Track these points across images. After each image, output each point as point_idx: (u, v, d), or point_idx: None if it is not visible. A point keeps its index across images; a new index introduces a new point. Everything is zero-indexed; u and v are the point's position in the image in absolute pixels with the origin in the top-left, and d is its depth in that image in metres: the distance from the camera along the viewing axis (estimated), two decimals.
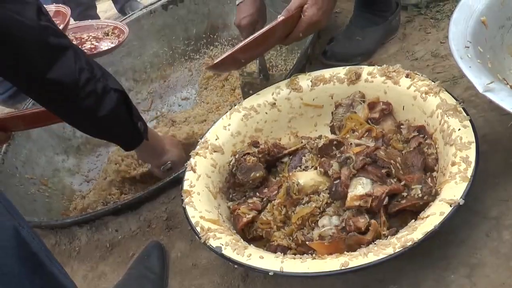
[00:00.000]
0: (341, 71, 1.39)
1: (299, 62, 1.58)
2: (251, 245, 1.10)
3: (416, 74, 1.26)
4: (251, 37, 1.39)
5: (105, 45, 1.86)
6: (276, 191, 1.21)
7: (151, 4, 2.49)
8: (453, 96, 1.15)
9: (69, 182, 2.17)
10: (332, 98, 1.39)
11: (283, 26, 1.37)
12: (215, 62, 1.45)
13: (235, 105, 1.42)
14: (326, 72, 1.41)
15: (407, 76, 1.27)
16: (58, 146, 2.26)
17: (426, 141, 1.15)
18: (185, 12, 2.44)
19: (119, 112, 1.30)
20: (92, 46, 1.89)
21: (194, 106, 2.28)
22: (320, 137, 1.35)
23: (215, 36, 2.45)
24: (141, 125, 1.39)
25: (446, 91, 1.17)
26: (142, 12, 2.46)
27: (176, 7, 2.44)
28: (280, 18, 1.36)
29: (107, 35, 1.91)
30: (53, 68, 1.15)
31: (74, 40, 1.88)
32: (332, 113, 1.36)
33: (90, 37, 1.94)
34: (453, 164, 1.00)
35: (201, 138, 1.40)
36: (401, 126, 1.23)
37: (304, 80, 1.42)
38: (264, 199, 1.22)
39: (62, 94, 1.20)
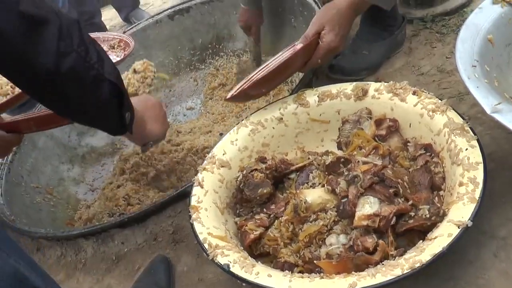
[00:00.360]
0: (348, 87, 1.39)
1: (305, 77, 1.58)
2: (259, 262, 1.11)
3: (423, 91, 1.27)
4: (270, 67, 1.40)
5: (111, 58, 1.86)
6: (283, 208, 1.22)
7: (157, 14, 2.51)
8: (460, 115, 1.15)
9: (74, 191, 2.18)
10: (339, 113, 1.40)
11: (302, 53, 1.39)
12: (233, 93, 1.44)
13: (242, 120, 1.43)
14: (333, 88, 1.41)
15: (414, 93, 1.27)
16: (63, 155, 2.27)
17: (433, 160, 1.16)
18: (191, 22, 2.46)
19: (108, 105, 1.14)
20: None
21: (199, 117, 2.29)
22: (326, 152, 1.36)
23: (220, 47, 2.46)
24: (128, 116, 1.22)
25: (453, 109, 1.17)
26: (148, 22, 2.48)
27: (182, 17, 2.46)
28: (299, 45, 1.38)
29: (113, 48, 1.88)
30: (27, 44, 0.97)
31: None
32: (339, 129, 1.36)
33: None
34: (461, 184, 1.01)
35: (208, 152, 1.40)
36: (408, 144, 1.24)
37: (311, 96, 1.42)
38: (271, 215, 1.22)
39: (37, 77, 1.01)
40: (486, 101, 1.01)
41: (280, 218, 1.20)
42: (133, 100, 1.30)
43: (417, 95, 1.26)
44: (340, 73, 1.72)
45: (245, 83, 1.40)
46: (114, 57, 1.80)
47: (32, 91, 1.07)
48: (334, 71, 1.74)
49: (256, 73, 1.39)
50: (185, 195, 1.44)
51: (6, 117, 1.62)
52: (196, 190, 1.26)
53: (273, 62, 1.38)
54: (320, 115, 1.42)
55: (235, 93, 1.42)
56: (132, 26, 2.51)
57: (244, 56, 2.41)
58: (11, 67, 1.00)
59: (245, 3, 2.07)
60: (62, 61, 1.00)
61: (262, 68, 1.40)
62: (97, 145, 2.36)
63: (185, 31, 2.47)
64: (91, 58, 1.06)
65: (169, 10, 2.48)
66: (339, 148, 1.36)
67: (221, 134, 2.00)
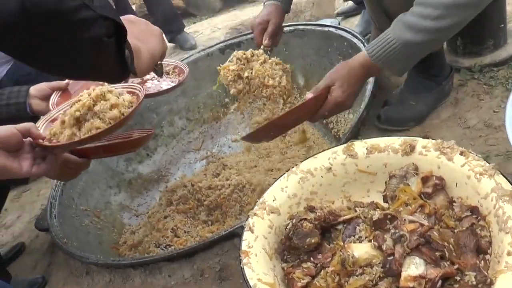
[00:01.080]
0: (396, 142, 1.43)
1: (355, 126, 1.64)
2: None
3: (471, 152, 1.30)
4: (282, 113, 1.56)
5: (165, 84, 1.84)
6: (330, 258, 1.26)
7: (208, 48, 2.60)
8: (509, 181, 1.18)
9: (120, 216, 2.28)
10: (386, 166, 1.44)
11: (312, 104, 1.49)
12: (247, 134, 1.62)
13: (292, 167, 1.49)
14: (382, 141, 1.46)
15: (461, 153, 1.31)
16: (111, 180, 2.37)
17: (479, 223, 1.19)
18: None
19: (103, 47, 0.90)
20: (154, 85, 1.93)
21: (245, 150, 2.36)
22: (372, 203, 1.40)
23: None
24: (128, 54, 0.99)
25: (502, 174, 1.20)
26: (199, 54, 2.58)
27: (233, 52, 2.52)
28: (309, 95, 1.48)
29: (168, 74, 1.88)
30: None
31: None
32: (385, 182, 1.40)
33: (152, 76, 1.89)
34: (509, 254, 1.03)
35: (254, 190, 1.46)
36: (454, 203, 1.27)
37: (360, 147, 1.47)
38: (318, 265, 1.27)
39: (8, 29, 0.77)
40: None
41: (327, 269, 1.24)
42: None
43: (465, 156, 1.30)
44: (387, 123, 1.77)
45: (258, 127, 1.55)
46: (169, 83, 1.82)
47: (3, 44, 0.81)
48: (381, 121, 1.78)
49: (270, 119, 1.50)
50: (233, 235, 1.51)
51: None
52: (246, 235, 1.32)
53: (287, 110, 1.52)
54: (368, 166, 1.47)
55: (247, 134, 1.59)
56: (184, 58, 2.61)
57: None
58: None
59: None
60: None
61: (276, 116, 1.56)
62: (143, 171, 2.45)
63: None
64: None
65: (221, 44, 2.57)
66: (385, 201, 1.40)
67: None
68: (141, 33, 1.15)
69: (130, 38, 1.05)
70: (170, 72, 1.85)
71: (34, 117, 1.74)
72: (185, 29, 3.95)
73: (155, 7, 3.85)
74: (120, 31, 0.93)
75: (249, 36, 2.52)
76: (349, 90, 1.49)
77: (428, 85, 1.81)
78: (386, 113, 1.78)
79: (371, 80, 1.81)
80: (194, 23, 4.58)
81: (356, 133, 1.63)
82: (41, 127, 1.45)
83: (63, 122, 1.38)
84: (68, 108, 1.44)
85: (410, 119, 1.78)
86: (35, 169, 1.29)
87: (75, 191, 2.18)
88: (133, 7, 4.73)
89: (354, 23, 2.97)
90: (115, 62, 0.96)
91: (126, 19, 1.16)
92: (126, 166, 2.43)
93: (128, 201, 2.35)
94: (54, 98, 1.66)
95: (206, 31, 4.05)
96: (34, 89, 1.71)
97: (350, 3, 3.16)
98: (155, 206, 2.22)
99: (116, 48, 0.94)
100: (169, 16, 3.74)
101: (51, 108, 1.61)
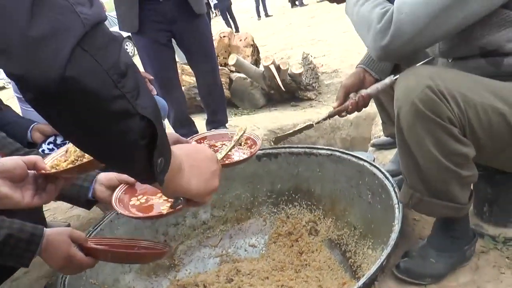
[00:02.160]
0: None
1: (373, 274, 1.67)
2: None
3: None
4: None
5: (237, 156, 1.75)
6: None
7: None
8: None
9: None
10: None
11: None
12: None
13: None
14: None
15: None
16: None
17: None
18: (275, 168, 2.63)
19: (133, 146, 0.89)
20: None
21: (260, 258, 2.39)
22: None
23: (296, 197, 2.59)
24: (161, 163, 0.96)
25: None
26: None
27: (269, 161, 2.63)
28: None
29: (240, 145, 1.82)
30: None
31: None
32: None
33: (223, 146, 1.83)
34: None
35: None
36: None
37: None
38: None
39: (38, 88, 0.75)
40: None
41: None
42: (179, 146, 1.09)
43: None
44: (405, 274, 1.79)
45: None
46: (240, 154, 1.75)
47: (36, 107, 0.80)
48: (400, 270, 1.81)
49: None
50: None
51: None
52: None
53: None
54: None
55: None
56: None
57: (316, 212, 2.54)
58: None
59: (368, 65, 2.08)
60: (78, 71, 0.75)
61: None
62: None
63: (268, 174, 2.63)
64: (125, 87, 0.82)
65: (259, 151, 2.65)
66: None
67: None
68: (197, 165, 1.11)
69: (187, 160, 1.06)
70: (242, 144, 1.81)
71: (89, 202, 1.79)
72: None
73: (207, 95, 3.82)
74: (155, 135, 0.90)
75: (287, 150, 2.62)
76: None
77: (449, 246, 1.83)
78: (405, 264, 1.82)
79: (395, 228, 1.86)
80: (235, 114, 4.73)
81: (373, 279, 1.66)
82: (48, 162, 1.43)
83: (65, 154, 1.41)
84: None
85: (428, 275, 1.80)
86: (36, 199, 1.32)
87: None
88: (183, 88, 4.94)
89: (387, 156, 3.05)
90: (143, 164, 0.93)
91: (195, 146, 1.23)
92: None
93: (136, 282, 2.37)
94: (118, 192, 1.57)
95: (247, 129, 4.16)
96: (103, 176, 1.72)
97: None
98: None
99: (147, 150, 0.91)
100: (218, 108, 3.81)
101: (114, 203, 1.49)
